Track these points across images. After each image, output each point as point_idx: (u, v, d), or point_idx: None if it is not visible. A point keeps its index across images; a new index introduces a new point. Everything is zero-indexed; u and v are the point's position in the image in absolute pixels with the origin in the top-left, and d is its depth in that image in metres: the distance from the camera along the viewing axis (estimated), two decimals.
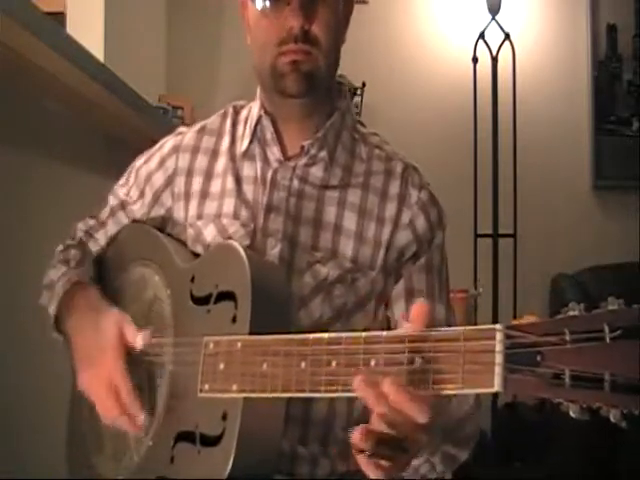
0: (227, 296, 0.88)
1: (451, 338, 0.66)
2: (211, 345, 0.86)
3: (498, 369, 0.61)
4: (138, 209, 1.15)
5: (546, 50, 3.37)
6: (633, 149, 3.29)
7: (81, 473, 1.08)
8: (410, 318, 0.71)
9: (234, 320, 0.85)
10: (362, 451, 0.68)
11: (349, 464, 1.00)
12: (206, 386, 0.85)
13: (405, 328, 0.71)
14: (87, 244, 1.18)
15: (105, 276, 1.13)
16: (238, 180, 1.07)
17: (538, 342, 0.60)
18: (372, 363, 0.70)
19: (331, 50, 1.03)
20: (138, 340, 0.94)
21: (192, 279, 0.96)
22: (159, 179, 1.13)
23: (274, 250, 1.02)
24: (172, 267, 1.01)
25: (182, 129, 1.18)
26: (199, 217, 1.08)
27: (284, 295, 0.91)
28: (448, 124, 3.26)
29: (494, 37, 3.14)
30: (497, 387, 0.61)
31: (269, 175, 1.06)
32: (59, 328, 1.07)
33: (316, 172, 1.06)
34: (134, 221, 1.15)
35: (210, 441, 0.83)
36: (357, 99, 2.98)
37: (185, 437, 0.87)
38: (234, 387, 0.81)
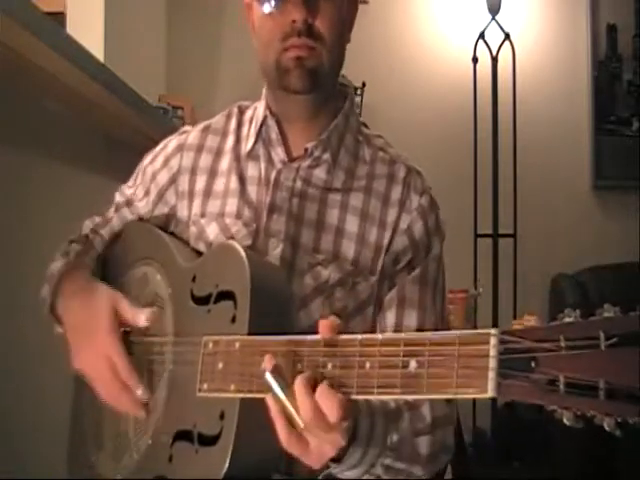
0: (227, 296, 0.88)
1: (446, 342, 0.66)
2: (210, 345, 0.87)
3: (491, 374, 0.61)
4: (143, 207, 1.16)
5: (546, 50, 3.37)
6: (633, 149, 3.29)
7: (81, 472, 1.08)
8: (319, 330, 0.74)
9: (233, 320, 0.86)
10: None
11: None
12: (204, 385, 0.85)
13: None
14: (93, 240, 1.18)
15: (108, 275, 1.13)
16: (242, 180, 1.08)
17: (533, 348, 0.60)
18: (367, 366, 0.71)
19: (335, 46, 1.03)
20: (142, 318, 0.95)
21: (193, 279, 0.96)
22: (163, 177, 1.13)
23: (276, 250, 1.02)
24: (174, 266, 1.02)
25: (187, 128, 1.18)
26: (202, 215, 1.08)
27: (284, 296, 0.91)
28: (448, 124, 3.26)
29: (494, 37, 3.14)
30: (490, 392, 0.61)
31: (273, 176, 1.06)
32: (54, 313, 1.06)
33: (319, 174, 1.06)
34: (138, 220, 1.16)
35: (208, 440, 0.84)
36: (357, 99, 2.98)
37: (183, 436, 0.88)
38: (232, 387, 0.81)
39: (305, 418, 0.73)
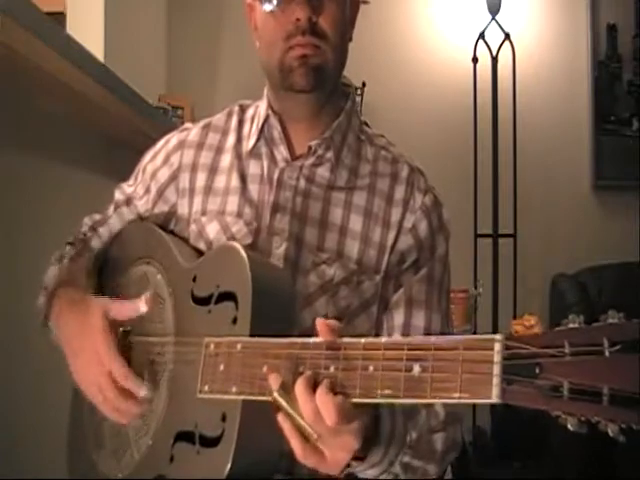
0: (228, 297, 0.88)
1: (450, 347, 0.66)
2: (212, 346, 0.86)
3: (496, 380, 0.61)
4: (142, 204, 1.15)
5: (546, 50, 3.37)
6: (633, 149, 3.29)
7: (82, 470, 1.08)
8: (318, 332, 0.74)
9: (235, 321, 0.85)
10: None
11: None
12: (206, 387, 0.85)
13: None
14: (90, 240, 1.18)
15: (108, 274, 1.13)
16: (243, 178, 1.07)
17: (537, 353, 0.60)
18: (370, 369, 0.71)
19: (338, 45, 1.03)
20: (141, 305, 0.92)
21: (194, 279, 0.96)
22: (164, 175, 1.13)
23: (279, 249, 1.02)
24: (174, 266, 1.01)
25: (187, 125, 1.18)
26: (203, 213, 1.08)
27: (286, 297, 0.91)
28: (448, 124, 3.26)
29: (494, 37, 3.14)
30: (495, 398, 0.61)
31: (276, 174, 1.06)
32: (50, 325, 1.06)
33: (323, 173, 1.06)
34: (138, 219, 1.16)
35: (209, 442, 0.83)
36: (357, 99, 2.98)
37: (184, 437, 0.87)
38: (233, 389, 0.81)
39: (307, 420, 0.73)
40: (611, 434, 0.57)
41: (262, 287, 0.85)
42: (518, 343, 0.61)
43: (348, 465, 0.81)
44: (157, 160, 1.15)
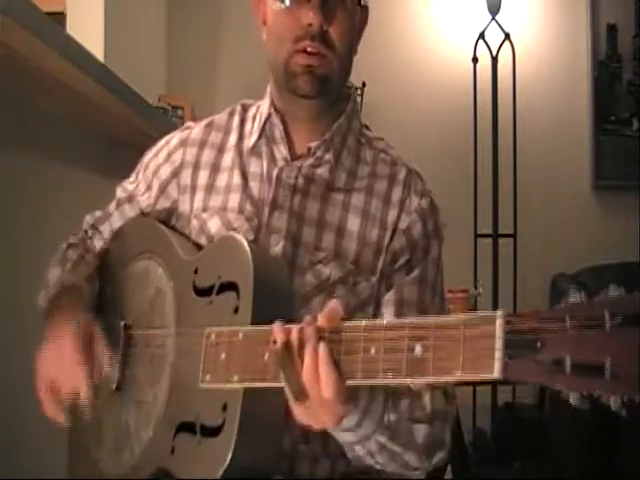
0: (229, 287, 0.89)
1: (451, 325, 0.66)
2: (213, 336, 0.87)
3: (498, 354, 0.61)
4: (144, 200, 1.16)
5: (546, 50, 3.37)
6: (633, 149, 3.29)
7: (84, 469, 1.08)
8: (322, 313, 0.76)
9: (236, 311, 0.86)
10: None
11: (350, 463, 1.00)
12: (207, 377, 0.86)
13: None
14: (92, 239, 1.19)
15: (109, 269, 1.14)
16: (244, 176, 1.08)
17: (538, 328, 0.60)
18: (372, 351, 0.71)
19: (345, 56, 1.03)
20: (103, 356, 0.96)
21: (195, 271, 0.97)
22: (166, 171, 1.13)
23: (277, 247, 1.03)
24: (175, 260, 1.02)
25: (189, 124, 1.19)
26: (204, 209, 1.09)
27: (286, 287, 0.92)
28: (448, 124, 3.26)
29: (494, 37, 3.14)
30: (496, 373, 0.61)
31: (275, 173, 1.07)
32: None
33: (322, 173, 1.07)
34: (139, 215, 1.16)
35: (210, 432, 0.84)
36: (357, 99, 2.98)
37: (186, 428, 0.88)
38: (235, 377, 0.82)
39: (304, 381, 0.76)
40: (613, 407, 0.56)
41: (263, 277, 0.86)
42: (519, 318, 0.61)
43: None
44: (159, 157, 1.15)
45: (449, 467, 2.02)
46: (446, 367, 0.65)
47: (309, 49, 1.00)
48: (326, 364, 0.74)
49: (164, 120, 2.34)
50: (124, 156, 1.75)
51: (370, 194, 1.07)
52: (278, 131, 1.08)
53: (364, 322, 0.73)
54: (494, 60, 3.13)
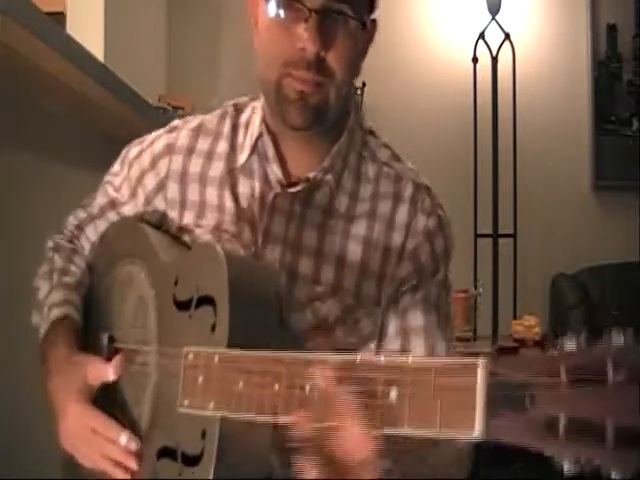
0: (207, 301, 0.81)
1: (428, 370, 0.57)
2: (190, 356, 0.80)
3: (479, 411, 0.52)
4: (130, 209, 1.08)
5: (546, 50, 3.37)
6: (633, 149, 3.29)
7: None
8: None
9: (213, 329, 0.79)
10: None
11: None
12: (186, 401, 0.79)
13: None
14: (79, 239, 1.13)
15: (95, 275, 1.09)
16: (235, 196, 0.99)
17: (528, 382, 0.51)
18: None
19: (345, 83, 0.92)
20: (110, 373, 0.89)
21: (175, 281, 0.89)
22: (151, 182, 1.04)
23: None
24: (157, 265, 0.95)
25: (176, 123, 1.07)
26: (196, 226, 1.01)
27: (268, 301, 0.84)
28: (448, 124, 3.26)
29: (494, 37, 3.14)
30: (477, 433, 0.52)
31: (269, 198, 0.97)
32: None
33: (320, 198, 0.97)
34: (123, 217, 1.09)
35: (190, 460, 0.78)
36: (357, 99, 2.99)
37: (168, 453, 0.82)
38: (211, 404, 0.75)
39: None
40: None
41: (241, 290, 0.78)
42: (505, 369, 0.52)
43: None
44: (143, 160, 1.06)
45: None
46: (422, 419, 0.56)
47: (303, 78, 0.88)
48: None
49: (164, 120, 2.34)
50: None
51: (373, 218, 0.98)
52: (270, 151, 0.97)
53: (338, 357, 0.64)
54: (494, 60, 3.13)
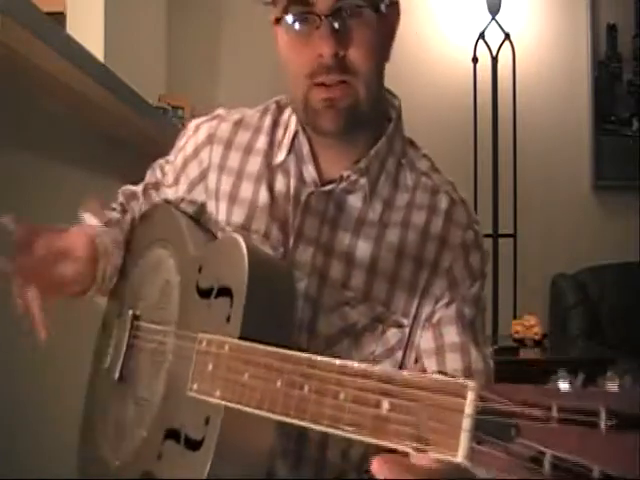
0: (225, 292, 0.84)
1: (419, 386, 0.57)
2: (204, 343, 0.82)
3: (464, 436, 0.52)
4: (171, 193, 1.10)
5: (546, 50, 3.37)
6: (633, 149, 3.29)
7: (90, 464, 1.07)
8: None
9: (228, 319, 0.82)
10: None
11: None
12: (195, 385, 0.81)
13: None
14: (126, 211, 1.15)
15: (131, 252, 1.12)
16: (272, 194, 0.99)
17: (517, 413, 0.49)
18: (341, 396, 0.63)
19: (373, 77, 0.91)
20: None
21: (199, 269, 0.93)
22: (194, 170, 1.06)
23: (300, 284, 0.94)
24: (185, 253, 0.99)
25: (219, 111, 1.08)
26: (227, 223, 1.02)
27: (285, 299, 0.86)
28: (448, 124, 3.26)
29: (494, 37, 3.14)
30: (460, 457, 0.52)
31: (303, 197, 0.97)
32: None
33: (354, 202, 0.96)
34: (162, 200, 1.12)
35: (192, 445, 0.80)
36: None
37: (173, 435, 0.85)
38: (217, 392, 0.77)
39: None
40: None
41: (258, 286, 0.81)
42: (495, 395, 0.51)
43: None
44: (187, 148, 1.07)
45: None
46: (408, 434, 0.56)
47: (327, 82, 0.88)
48: None
49: (164, 120, 2.34)
50: (124, 156, 1.75)
51: (406, 228, 0.96)
52: (306, 150, 0.98)
53: (338, 361, 0.65)
54: (494, 60, 3.13)
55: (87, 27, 2.21)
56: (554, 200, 3.34)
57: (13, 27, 1.06)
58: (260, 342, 0.75)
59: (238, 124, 1.04)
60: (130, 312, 1.03)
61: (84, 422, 1.11)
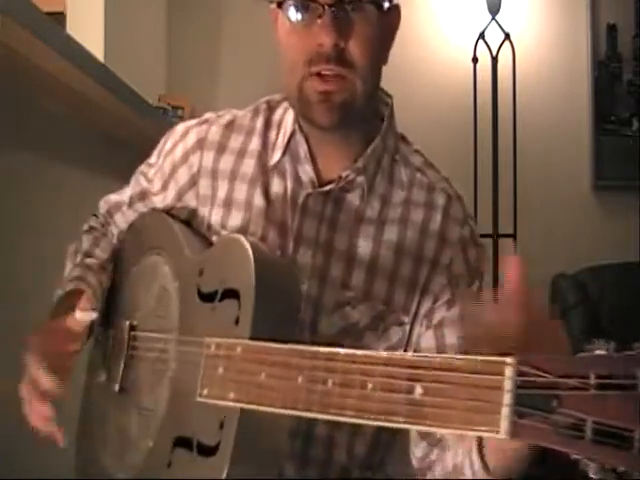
0: (232, 294, 0.83)
1: (454, 368, 0.57)
2: (212, 347, 0.81)
3: (506, 411, 0.52)
4: (159, 201, 1.08)
5: (546, 50, 3.37)
6: (633, 149, 3.29)
7: (88, 469, 1.06)
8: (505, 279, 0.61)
9: (237, 322, 0.81)
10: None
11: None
12: (205, 391, 0.80)
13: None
14: (109, 225, 1.14)
15: (120, 263, 1.11)
16: (267, 196, 0.98)
17: (556, 383, 0.51)
18: (369, 386, 0.63)
19: (370, 73, 0.91)
20: (75, 320, 0.90)
21: (200, 273, 0.91)
22: (183, 176, 1.04)
23: (302, 286, 0.94)
24: (181, 258, 0.97)
25: (208, 115, 1.07)
26: (223, 227, 1.01)
27: (293, 298, 0.86)
28: (448, 124, 3.26)
29: (494, 37, 3.14)
30: (503, 432, 0.52)
31: (301, 199, 0.96)
32: None
33: (352, 200, 0.96)
34: (152, 208, 1.10)
35: (206, 451, 0.79)
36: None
37: (183, 443, 0.83)
38: (231, 395, 0.76)
39: None
40: None
41: (266, 286, 0.80)
42: (533, 369, 0.52)
43: None
44: (175, 153, 1.06)
45: None
46: (445, 416, 0.57)
47: (324, 72, 0.88)
48: None
49: (164, 120, 2.34)
50: (124, 156, 1.75)
51: (405, 225, 0.97)
52: (303, 150, 0.97)
53: (360, 352, 0.65)
54: (494, 60, 3.13)
55: (87, 27, 2.21)
56: (554, 200, 3.34)
57: (13, 27, 1.06)
58: (273, 341, 0.74)
59: (229, 126, 1.03)
60: (127, 323, 1.01)
61: (80, 438, 1.10)
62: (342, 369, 0.66)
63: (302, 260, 0.95)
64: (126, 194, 1.14)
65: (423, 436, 0.93)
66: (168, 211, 1.07)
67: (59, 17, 2.15)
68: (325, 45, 0.86)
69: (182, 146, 1.05)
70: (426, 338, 0.96)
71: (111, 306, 1.08)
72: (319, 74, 0.88)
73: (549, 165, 3.33)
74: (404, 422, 0.60)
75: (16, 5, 1.06)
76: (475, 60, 3.18)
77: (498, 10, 3.13)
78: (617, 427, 0.48)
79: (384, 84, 1.03)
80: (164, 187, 1.07)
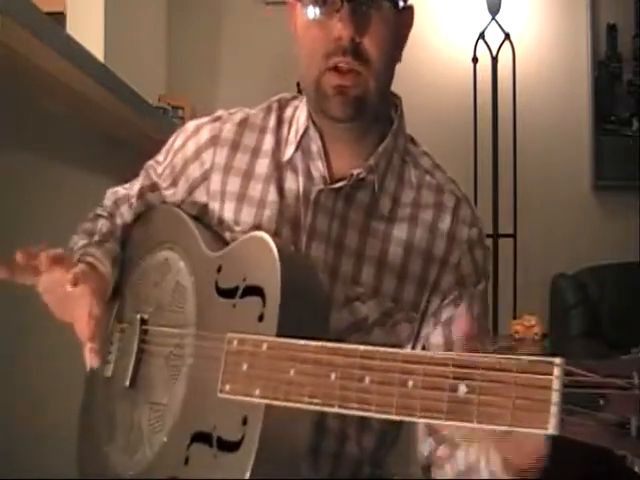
0: (255, 291, 0.82)
1: (503, 368, 0.59)
2: (235, 342, 0.81)
3: (554, 409, 0.55)
4: (169, 196, 1.09)
5: (546, 50, 3.37)
6: (633, 149, 3.29)
7: (93, 462, 1.05)
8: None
9: (261, 319, 0.80)
10: None
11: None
12: (227, 386, 0.80)
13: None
14: (115, 217, 1.13)
15: (129, 256, 1.09)
16: (281, 192, 1.00)
17: (602, 383, 0.53)
18: (410, 384, 0.64)
19: (382, 71, 0.94)
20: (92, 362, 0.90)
21: (219, 269, 0.91)
22: (195, 172, 1.05)
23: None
24: (198, 254, 0.97)
25: (220, 113, 1.08)
26: (236, 223, 1.01)
27: (318, 295, 0.86)
28: (448, 124, 3.26)
29: (494, 37, 3.14)
30: (552, 429, 0.55)
31: (313, 195, 0.98)
32: None
33: (363, 197, 0.98)
34: (164, 202, 1.10)
35: (228, 446, 0.78)
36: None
37: (202, 438, 0.82)
38: (257, 391, 0.76)
39: None
40: None
41: (292, 284, 0.80)
42: (580, 370, 0.55)
43: None
44: (187, 149, 1.06)
45: None
46: (493, 414, 0.58)
47: (340, 65, 0.90)
48: None
49: (164, 120, 2.34)
50: (124, 156, 1.75)
51: (415, 223, 0.99)
52: (316, 146, 0.99)
53: (402, 351, 0.67)
54: (494, 60, 3.13)
55: (87, 27, 2.21)
56: (554, 200, 3.34)
57: (13, 27, 1.06)
58: (301, 338, 0.74)
59: (243, 124, 1.05)
60: (138, 316, 1.00)
61: (83, 435, 1.09)
62: (380, 367, 0.67)
63: (314, 255, 0.97)
64: (134, 187, 1.14)
65: (429, 433, 0.94)
66: (178, 206, 1.07)
67: (59, 17, 2.15)
68: (343, 38, 0.89)
69: (194, 142, 1.06)
70: (435, 335, 0.98)
71: (117, 299, 1.07)
72: (336, 68, 0.91)
73: (549, 165, 3.34)
74: (446, 419, 0.62)
75: (16, 5, 1.06)
76: (475, 60, 3.19)
77: (498, 10, 3.13)
78: None
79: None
80: (174, 183, 1.08)
